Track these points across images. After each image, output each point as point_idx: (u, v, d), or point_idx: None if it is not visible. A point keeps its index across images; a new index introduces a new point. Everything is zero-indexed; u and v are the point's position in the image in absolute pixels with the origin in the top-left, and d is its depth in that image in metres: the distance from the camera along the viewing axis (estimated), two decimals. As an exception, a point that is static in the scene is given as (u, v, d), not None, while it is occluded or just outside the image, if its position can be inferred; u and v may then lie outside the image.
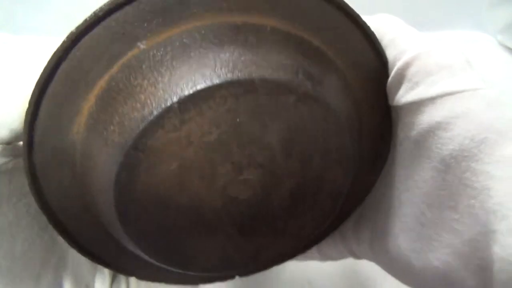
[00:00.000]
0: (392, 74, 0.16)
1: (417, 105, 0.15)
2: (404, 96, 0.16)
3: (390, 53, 0.17)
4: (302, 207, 0.18)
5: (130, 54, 0.15)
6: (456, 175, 0.14)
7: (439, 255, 0.15)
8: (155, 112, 0.14)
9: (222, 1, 0.15)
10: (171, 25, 0.15)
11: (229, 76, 0.14)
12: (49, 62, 0.14)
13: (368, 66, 0.17)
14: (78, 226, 0.18)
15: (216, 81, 0.14)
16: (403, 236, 0.17)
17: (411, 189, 0.16)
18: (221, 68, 0.14)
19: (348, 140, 0.17)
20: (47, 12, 0.56)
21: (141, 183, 0.15)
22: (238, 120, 0.14)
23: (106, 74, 0.15)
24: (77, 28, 0.14)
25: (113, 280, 0.20)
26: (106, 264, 0.19)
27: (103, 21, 0.14)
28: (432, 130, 0.15)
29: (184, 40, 0.15)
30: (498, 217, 0.13)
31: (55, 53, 0.14)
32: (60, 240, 0.17)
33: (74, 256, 0.18)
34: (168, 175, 0.15)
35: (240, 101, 0.14)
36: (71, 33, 0.14)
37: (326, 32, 0.16)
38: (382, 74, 0.17)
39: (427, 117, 0.15)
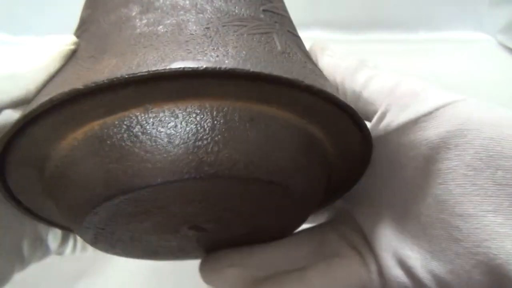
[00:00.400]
0: (383, 105, 0.17)
1: (414, 124, 0.16)
2: (395, 119, 0.16)
3: (371, 87, 0.17)
4: (262, 233, 0.20)
5: (133, 110, 0.14)
6: (487, 177, 0.14)
7: (484, 268, 0.14)
8: (144, 185, 0.14)
9: (244, 90, 0.14)
10: (186, 98, 0.14)
11: (229, 173, 0.14)
12: (50, 100, 0.13)
13: (350, 142, 0.18)
14: (41, 212, 0.19)
15: (212, 173, 0.14)
16: (436, 261, 0.16)
17: (434, 206, 0.16)
18: (222, 164, 0.14)
19: (308, 211, 0.18)
20: (47, 13, 0.56)
21: (119, 215, 0.15)
22: (217, 201, 0.15)
23: (101, 119, 0.14)
24: (96, 83, 0.13)
25: (64, 235, 0.22)
26: (62, 228, 0.20)
27: (122, 89, 0.13)
28: (444, 141, 0.15)
29: (192, 118, 0.14)
30: None
31: (58, 95, 0.13)
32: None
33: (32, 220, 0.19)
34: (145, 215, 0.16)
35: (228, 191, 0.15)
36: (87, 87, 0.13)
37: (330, 128, 0.17)
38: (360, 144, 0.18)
39: (432, 131, 0.15)
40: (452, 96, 0.15)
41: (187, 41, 0.14)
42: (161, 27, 0.15)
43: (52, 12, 0.54)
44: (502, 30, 0.57)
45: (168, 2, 0.16)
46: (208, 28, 0.15)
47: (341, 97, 0.16)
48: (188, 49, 0.14)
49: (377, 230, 0.19)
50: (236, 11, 0.16)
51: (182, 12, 0.16)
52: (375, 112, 0.17)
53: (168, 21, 0.15)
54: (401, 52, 0.55)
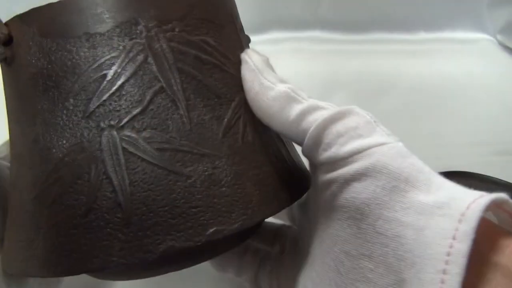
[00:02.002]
0: (306, 139, 0.17)
1: (332, 164, 0.16)
2: (319, 158, 0.17)
3: (304, 122, 0.17)
4: None
5: None
6: (370, 223, 0.15)
7: None
8: None
9: None
10: None
11: None
12: None
13: None
14: None
15: None
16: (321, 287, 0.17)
17: (330, 239, 0.17)
18: None
19: None
20: None
21: None
22: None
23: None
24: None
25: None
26: None
27: None
28: (347, 183, 0.16)
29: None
30: (408, 265, 0.14)
31: None
32: None
33: None
34: None
35: None
36: None
37: None
38: None
39: (342, 173, 0.16)
40: (376, 139, 0.16)
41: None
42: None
43: None
44: (502, 30, 0.57)
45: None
46: None
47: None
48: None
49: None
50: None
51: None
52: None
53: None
54: (401, 52, 0.55)
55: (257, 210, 0.16)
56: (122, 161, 0.15)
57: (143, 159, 0.15)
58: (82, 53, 0.16)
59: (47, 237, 0.15)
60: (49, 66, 0.16)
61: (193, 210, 0.15)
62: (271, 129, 0.18)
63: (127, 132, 0.15)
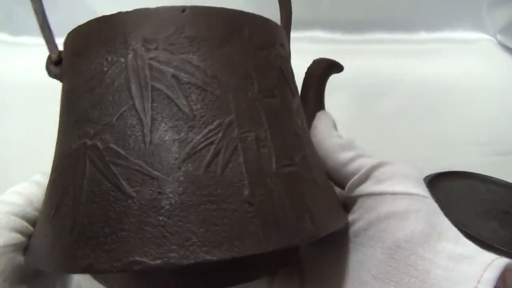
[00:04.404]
0: (360, 173, 0.21)
1: (379, 197, 0.19)
2: (368, 188, 0.20)
3: (359, 162, 0.21)
4: None
5: None
6: (403, 256, 0.18)
7: None
8: None
9: None
10: None
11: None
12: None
13: None
14: None
15: None
16: None
17: (361, 262, 0.19)
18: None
19: None
20: (46, 13, 0.55)
21: None
22: None
23: None
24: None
25: None
26: None
27: None
28: (389, 217, 0.19)
29: None
30: None
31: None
32: None
33: None
34: None
35: None
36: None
37: None
38: None
39: (386, 206, 0.19)
40: (420, 191, 0.19)
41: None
42: None
43: (51, 12, 0.54)
44: (502, 30, 0.57)
45: None
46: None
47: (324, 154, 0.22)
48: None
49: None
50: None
51: None
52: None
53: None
54: (401, 52, 0.55)
55: (193, 251, 0.14)
56: (87, 170, 0.16)
57: (99, 171, 0.16)
58: (84, 69, 0.18)
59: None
60: (70, 81, 0.18)
61: (123, 233, 0.14)
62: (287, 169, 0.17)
63: (95, 142, 0.16)
